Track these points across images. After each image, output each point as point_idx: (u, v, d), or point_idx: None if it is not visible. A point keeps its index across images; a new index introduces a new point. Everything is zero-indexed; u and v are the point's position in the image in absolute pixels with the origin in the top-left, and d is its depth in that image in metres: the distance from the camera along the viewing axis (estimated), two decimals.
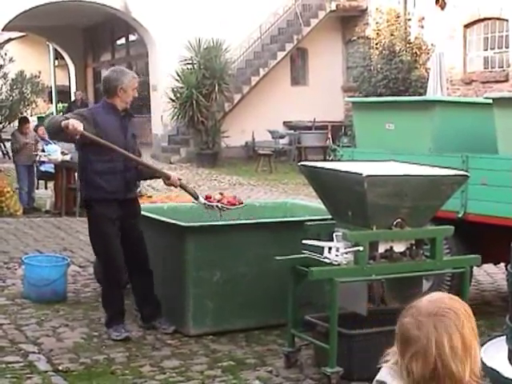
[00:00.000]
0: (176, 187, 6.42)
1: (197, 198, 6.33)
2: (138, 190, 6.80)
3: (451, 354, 2.05)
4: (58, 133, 5.94)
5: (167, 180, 6.30)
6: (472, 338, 2.10)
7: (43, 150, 13.72)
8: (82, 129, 5.75)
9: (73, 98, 19.48)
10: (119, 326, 6.20)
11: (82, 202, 6.77)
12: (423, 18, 20.96)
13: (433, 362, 2.05)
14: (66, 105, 31.50)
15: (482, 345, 4.10)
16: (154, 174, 6.52)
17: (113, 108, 6.16)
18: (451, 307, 2.11)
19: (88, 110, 6.41)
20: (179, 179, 6.35)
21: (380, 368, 2.23)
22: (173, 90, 20.79)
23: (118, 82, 6.13)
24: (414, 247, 5.36)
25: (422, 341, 2.06)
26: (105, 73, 6.47)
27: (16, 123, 23.72)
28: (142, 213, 6.43)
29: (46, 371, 5.41)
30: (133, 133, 6.31)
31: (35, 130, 14.84)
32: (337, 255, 5.20)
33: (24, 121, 14.02)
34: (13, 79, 22.50)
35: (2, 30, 22.45)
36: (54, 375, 5.34)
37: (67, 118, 5.88)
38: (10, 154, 21.76)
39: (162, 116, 22.37)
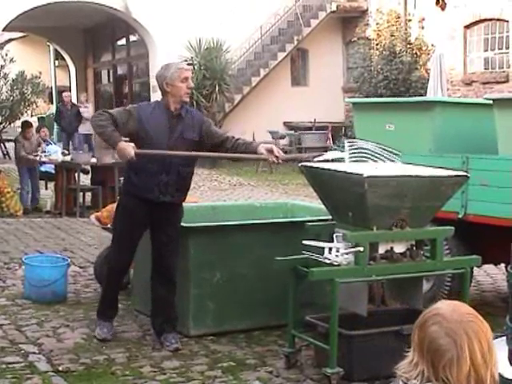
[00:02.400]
0: (279, 163, 6.02)
1: (306, 159, 5.95)
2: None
3: (481, 359, 2.06)
4: (104, 140, 5.84)
5: (269, 155, 5.82)
6: (492, 341, 2.11)
7: (44, 151, 13.73)
8: (133, 153, 5.64)
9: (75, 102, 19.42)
10: (105, 322, 6.13)
11: (118, 194, 6.55)
12: (423, 19, 20.97)
13: (467, 369, 2.04)
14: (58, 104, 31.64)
15: None
16: (247, 159, 5.87)
17: (163, 106, 5.89)
18: (473, 313, 2.13)
19: (138, 105, 6.11)
20: (277, 156, 5.83)
21: (389, 378, 2.20)
22: None
23: (161, 78, 5.88)
24: (414, 248, 5.36)
25: (455, 348, 2.05)
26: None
27: (16, 123, 23.77)
28: None
29: (46, 372, 5.41)
30: (183, 134, 5.87)
31: (37, 130, 14.84)
32: (337, 256, 5.20)
33: (27, 125, 13.94)
34: (13, 80, 22.51)
35: (3, 30, 22.47)
36: (54, 376, 5.33)
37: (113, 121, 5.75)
38: (11, 155, 21.79)
39: None
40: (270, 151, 5.84)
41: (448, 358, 2.05)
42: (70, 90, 30.30)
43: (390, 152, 5.69)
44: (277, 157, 5.87)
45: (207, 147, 6.08)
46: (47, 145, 14.33)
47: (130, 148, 5.69)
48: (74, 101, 23.83)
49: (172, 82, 5.83)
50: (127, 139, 5.94)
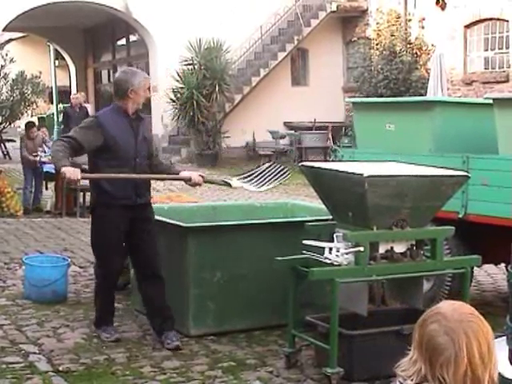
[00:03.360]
0: (201, 185, 6.32)
1: (230, 185, 6.27)
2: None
3: (479, 360, 2.06)
4: (55, 165, 6.09)
5: (189, 181, 6.17)
6: (493, 342, 2.11)
7: (44, 151, 13.74)
8: (79, 177, 5.79)
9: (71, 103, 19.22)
10: (108, 326, 6.17)
11: (90, 209, 6.61)
12: (424, 19, 20.97)
13: (464, 369, 2.04)
14: (66, 106, 31.58)
15: None
16: (172, 179, 6.34)
17: (123, 111, 5.98)
18: (473, 313, 2.13)
19: (94, 117, 6.21)
20: (201, 176, 6.21)
21: (389, 378, 2.20)
22: (173, 90, 20.80)
23: (128, 83, 5.94)
24: (414, 248, 5.36)
25: (453, 347, 2.05)
26: (116, 74, 6.31)
27: (16, 123, 23.79)
28: None
29: (47, 372, 5.40)
30: (144, 135, 6.11)
31: (38, 129, 14.85)
32: (337, 256, 5.20)
33: (30, 125, 14.04)
34: (13, 80, 22.51)
35: (3, 30, 22.46)
36: (54, 376, 5.33)
37: (73, 138, 5.91)
38: (11, 155, 21.81)
39: (162, 116, 22.38)
40: (195, 176, 6.15)
41: (445, 356, 2.05)
42: (70, 90, 30.30)
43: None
44: (202, 176, 6.20)
45: None
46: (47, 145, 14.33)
47: (75, 171, 5.77)
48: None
49: (137, 90, 5.97)
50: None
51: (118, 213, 5.91)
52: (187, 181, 6.18)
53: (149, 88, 6.12)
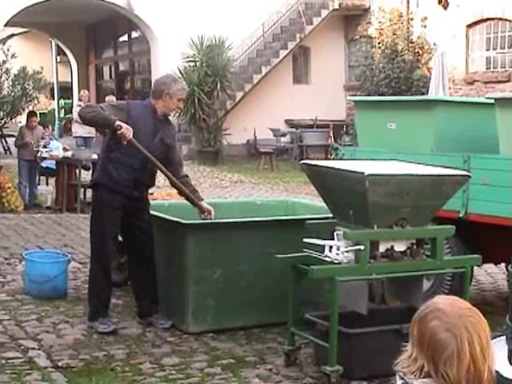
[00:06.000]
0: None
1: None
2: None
3: (480, 354, 2.06)
4: (99, 123, 6.20)
5: (203, 214, 6.41)
6: (489, 334, 2.12)
7: (45, 146, 13.73)
8: (131, 136, 5.93)
9: (76, 99, 19.00)
10: (105, 318, 6.23)
11: (90, 183, 6.96)
12: (426, 18, 20.95)
13: (467, 364, 2.05)
14: (67, 101, 31.56)
15: None
16: (191, 200, 6.43)
17: (152, 109, 6.22)
18: (470, 307, 2.13)
19: (127, 102, 6.57)
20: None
21: (388, 377, 2.20)
22: None
23: (166, 86, 6.21)
24: (414, 247, 5.36)
25: (455, 343, 2.05)
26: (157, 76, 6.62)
27: (17, 119, 23.77)
28: None
29: (46, 367, 5.41)
30: (163, 139, 6.23)
31: (41, 124, 14.81)
32: (338, 254, 5.20)
33: (31, 114, 14.12)
34: (15, 75, 22.47)
35: (5, 25, 22.44)
36: (53, 371, 5.33)
37: (104, 111, 6.02)
38: (12, 149, 21.76)
39: None
40: (209, 212, 6.39)
41: (448, 352, 2.05)
42: (72, 86, 30.32)
43: None
44: (210, 214, 6.40)
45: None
46: (49, 140, 14.31)
47: (129, 129, 5.93)
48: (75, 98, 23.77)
49: (172, 96, 6.20)
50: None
51: (117, 198, 6.13)
52: (203, 212, 6.40)
53: (183, 100, 6.36)
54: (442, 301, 2.15)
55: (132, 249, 6.39)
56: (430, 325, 2.10)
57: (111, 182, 6.14)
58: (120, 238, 6.48)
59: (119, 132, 5.91)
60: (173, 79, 6.42)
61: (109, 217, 6.16)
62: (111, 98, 18.94)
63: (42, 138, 13.79)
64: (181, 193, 6.44)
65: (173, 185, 6.42)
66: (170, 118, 6.58)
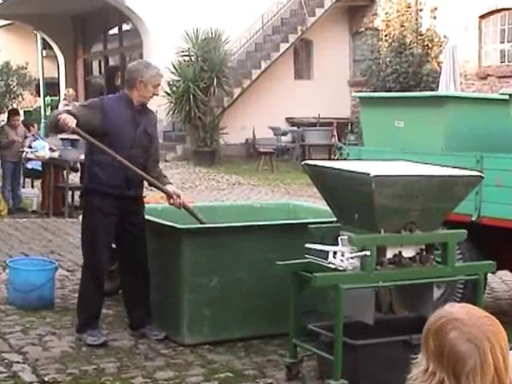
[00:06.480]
0: (180, 209, 6.47)
1: (202, 223, 6.47)
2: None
3: (503, 365, 2.06)
4: (54, 128, 6.21)
5: (168, 199, 6.42)
6: (508, 344, 2.12)
7: (30, 146, 13.73)
8: (73, 125, 5.93)
9: (62, 96, 18.98)
10: (94, 330, 6.23)
11: (81, 191, 7.04)
12: (436, 9, 20.99)
13: (491, 377, 2.04)
14: (54, 98, 31.55)
15: None
16: (157, 187, 6.47)
17: (128, 100, 6.25)
18: (489, 316, 2.12)
19: (100, 99, 6.57)
20: (179, 197, 6.40)
21: None
22: (168, 83, 20.78)
23: (138, 73, 6.23)
24: (424, 252, 5.36)
25: (478, 355, 2.04)
26: (130, 63, 6.66)
27: (0, 117, 23.77)
28: None
29: (31, 382, 5.40)
30: (146, 129, 6.31)
31: (24, 124, 14.80)
32: (342, 260, 5.20)
33: (14, 113, 14.07)
34: None
35: None
36: None
37: (69, 112, 6.10)
38: None
39: (156, 111, 22.29)
40: (178, 195, 6.36)
41: (471, 365, 2.04)
42: (59, 82, 30.33)
43: None
44: (179, 197, 6.39)
45: None
46: (34, 140, 14.31)
47: (70, 118, 5.93)
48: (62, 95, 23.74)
49: (147, 83, 6.22)
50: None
51: (109, 202, 6.15)
52: (170, 197, 6.39)
53: (159, 85, 6.34)
54: (458, 309, 2.14)
55: (125, 256, 6.40)
56: (448, 336, 2.07)
57: (100, 185, 6.17)
58: (113, 245, 6.50)
59: (59, 123, 5.91)
60: (145, 65, 6.41)
61: (100, 223, 6.17)
62: (71, 93, 18.98)
63: (26, 137, 13.77)
64: (149, 182, 6.42)
65: (141, 175, 6.42)
66: (163, 114, 6.62)
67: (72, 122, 5.92)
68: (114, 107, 6.23)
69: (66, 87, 26.65)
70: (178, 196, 6.41)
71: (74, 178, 14.18)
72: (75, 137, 17.86)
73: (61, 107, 18.22)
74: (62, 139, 17.60)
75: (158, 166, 6.57)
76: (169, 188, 6.45)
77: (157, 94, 6.41)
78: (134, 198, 6.30)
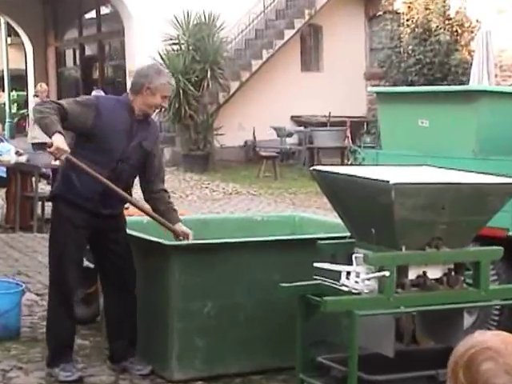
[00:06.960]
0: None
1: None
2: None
3: None
4: (42, 130, 6.07)
5: (175, 236, 6.33)
6: None
7: None
8: (67, 154, 5.87)
9: (32, 92, 18.90)
10: (68, 364, 6.20)
11: (49, 196, 6.94)
12: None
13: None
14: (21, 93, 31.63)
15: None
16: (161, 223, 6.34)
17: (128, 106, 6.19)
18: None
19: (96, 97, 6.57)
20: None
21: None
22: None
23: (146, 79, 6.17)
24: (452, 273, 5.37)
25: None
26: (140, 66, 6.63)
27: None
28: None
29: None
30: (141, 143, 6.20)
31: None
32: (357, 282, 5.21)
33: None
34: None
35: None
36: None
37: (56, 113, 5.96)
38: None
39: None
40: (186, 234, 6.27)
41: None
42: (27, 75, 30.37)
43: None
44: (187, 237, 6.29)
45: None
46: None
47: (63, 143, 5.83)
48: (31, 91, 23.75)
49: (154, 91, 6.17)
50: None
51: (80, 215, 6.10)
52: (177, 236, 6.31)
53: (167, 96, 6.35)
54: (491, 338, 2.14)
55: (106, 276, 6.37)
56: (482, 368, 2.08)
57: (72, 194, 6.10)
58: (90, 264, 6.49)
59: (51, 150, 5.84)
60: (156, 71, 6.38)
61: (69, 236, 6.13)
62: (43, 89, 18.96)
63: None
64: (147, 215, 6.37)
65: (133, 205, 6.39)
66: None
67: (66, 151, 5.82)
68: (110, 110, 6.14)
69: (36, 80, 26.72)
70: (187, 236, 6.30)
71: (45, 187, 14.19)
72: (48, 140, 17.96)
73: (32, 106, 18.25)
74: (33, 144, 17.61)
75: (165, 193, 6.43)
76: (179, 226, 6.34)
77: (164, 107, 6.48)
78: (110, 216, 6.24)
